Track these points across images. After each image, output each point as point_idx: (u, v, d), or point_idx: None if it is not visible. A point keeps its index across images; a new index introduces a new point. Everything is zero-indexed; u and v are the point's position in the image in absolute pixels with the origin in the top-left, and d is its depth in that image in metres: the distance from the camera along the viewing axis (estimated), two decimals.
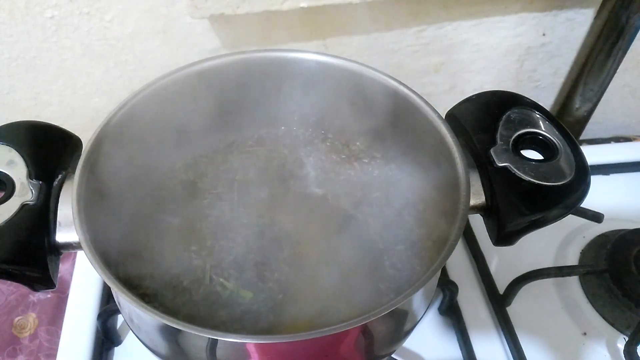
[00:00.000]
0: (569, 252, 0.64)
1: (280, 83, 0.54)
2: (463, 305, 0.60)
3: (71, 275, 0.62)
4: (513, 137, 0.45)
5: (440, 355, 0.57)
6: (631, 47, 0.71)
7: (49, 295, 0.63)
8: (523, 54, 0.75)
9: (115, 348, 0.57)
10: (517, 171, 0.43)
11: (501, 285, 0.60)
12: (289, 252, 0.50)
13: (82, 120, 0.71)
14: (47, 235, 0.40)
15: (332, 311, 0.45)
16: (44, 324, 0.61)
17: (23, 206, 0.40)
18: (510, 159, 0.43)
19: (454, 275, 0.62)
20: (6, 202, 0.40)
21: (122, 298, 0.36)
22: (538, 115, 0.46)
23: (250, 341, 0.35)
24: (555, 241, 0.66)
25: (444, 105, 0.49)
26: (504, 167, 0.43)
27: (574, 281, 0.61)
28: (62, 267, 0.58)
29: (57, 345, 0.56)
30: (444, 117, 0.48)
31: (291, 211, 0.53)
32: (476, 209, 0.44)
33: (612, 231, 0.64)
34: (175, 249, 0.50)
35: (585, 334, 0.58)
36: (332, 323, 0.35)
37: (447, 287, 0.57)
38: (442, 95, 0.78)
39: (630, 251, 0.59)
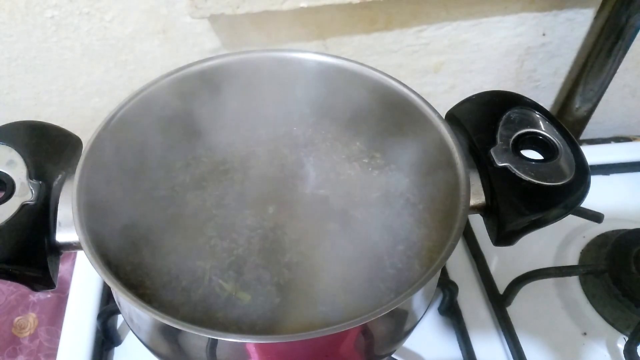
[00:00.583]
0: (569, 252, 0.64)
1: (280, 83, 0.54)
2: (463, 305, 0.60)
3: (71, 275, 0.62)
4: (513, 137, 0.45)
5: (440, 355, 0.57)
6: (631, 47, 0.71)
7: (49, 295, 0.63)
8: (523, 54, 0.75)
9: (115, 348, 0.57)
10: (517, 171, 0.43)
11: (501, 285, 0.60)
12: (288, 252, 0.50)
13: (82, 120, 0.71)
14: (47, 235, 0.40)
15: (332, 314, 0.45)
16: (44, 324, 0.61)
17: (23, 206, 0.40)
18: (510, 159, 0.43)
19: (454, 275, 0.62)
20: (6, 202, 0.40)
21: (122, 298, 0.36)
22: (538, 115, 0.46)
23: (250, 341, 0.35)
24: (555, 241, 0.66)
25: (444, 105, 0.49)
26: (504, 167, 0.43)
27: (574, 281, 0.61)
28: (62, 267, 0.58)
29: (57, 345, 0.56)
30: (444, 117, 0.48)
31: (291, 211, 0.53)
32: (476, 209, 0.44)
33: (612, 231, 0.64)
34: (175, 249, 0.50)
35: (585, 334, 0.58)
36: (332, 323, 0.35)
37: (447, 287, 0.57)
38: (442, 95, 0.78)
39: (630, 251, 0.59)
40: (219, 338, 0.35)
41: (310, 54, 0.52)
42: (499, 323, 0.58)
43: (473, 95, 0.49)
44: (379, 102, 0.51)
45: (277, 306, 0.46)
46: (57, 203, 0.42)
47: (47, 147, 0.44)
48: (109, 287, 0.47)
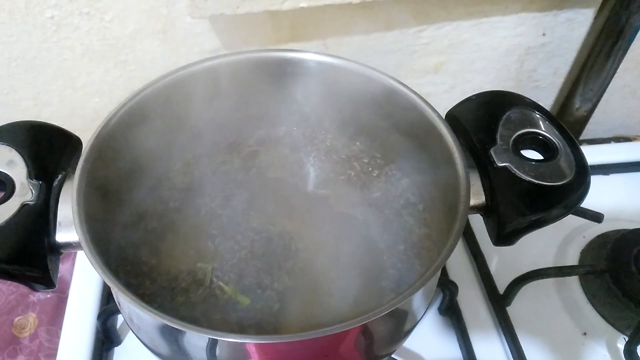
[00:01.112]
0: (569, 252, 0.64)
1: (280, 83, 0.54)
2: (463, 305, 0.60)
3: (71, 275, 0.62)
4: (513, 137, 0.45)
5: (440, 355, 0.57)
6: (631, 47, 0.71)
7: (49, 295, 0.63)
8: (523, 54, 0.75)
9: (115, 348, 0.57)
10: (517, 171, 0.43)
11: (501, 285, 0.60)
12: (287, 253, 0.50)
13: (82, 120, 0.71)
14: (47, 235, 0.40)
15: (331, 314, 0.45)
16: (44, 324, 0.61)
17: (23, 206, 0.40)
18: (510, 159, 0.43)
19: (454, 275, 0.62)
20: (6, 202, 0.40)
21: (122, 298, 0.36)
22: (538, 115, 0.46)
23: (250, 341, 0.35)
24: (555, 241, 0.66)
25: (444, 105, 0.49)
26: (504, 167, 0.43)
27: (574, 281, 0.61)
28: (62, 267, 0.58)
29: (57, 345, 0.56)
30: (444, 117, 0.48)
31: (290, 211, 0.53)
32: (476, 209, 0.44)
33: (612, 231, 0.64)
34: (175, 249, 0.50)
35: (585, 334, 0.58)
36: (332, 323, 0.35)
37: (447, 287, 0.57)
38: (442, 95, 0.78)
39: (630, 251, 0.58)
40: (219, 338, 0.35)
41: (310, 54, 0.52)
42: (499, 323, 0.58)
43: (473, 95, 0.49)
44: (379, 102, 0.51)
45: (277, 308, 0.46)
46: (57, 203, 0.42)
47: (47, 147, 0.44)
48: (109, 287, 0.47)
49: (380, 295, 0.47)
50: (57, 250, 0.41)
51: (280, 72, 0.53)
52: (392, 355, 0.51)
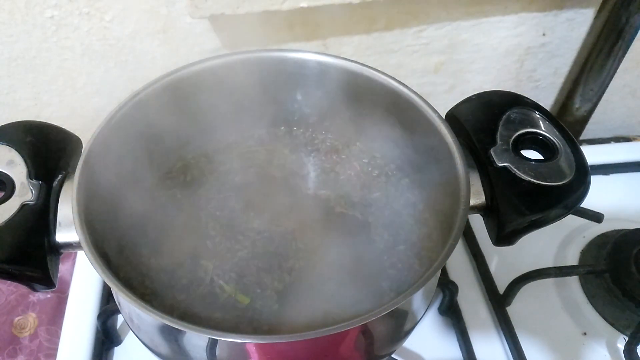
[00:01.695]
0: (569, 252, 0.64)
1: (280, 83, 0.54)
2: (463, 305, 0.60)
3: (71, 275, 0.62)
4: (513, 137, 0.45)
5: (440, 355, 0.57)
6: (631, 47, 0.71)
7: (49, 295, 0.63)
8: (523, 54, 0.75)
9: (115, 348, 0.57)
10: (517, 171, 0.43)
11: (501, 285, 0.60)
12: (286, 252, 0.50)
13: (82, 120, 0.71)
14: (47, 235, 0.40)
15: (331, 314, 0.45)
16: (44, 324, 0.61)
17: (23, 206, 0.40)
18: (510, 159, 0.43)
19: (454, 275, 0.62)
20: (6, 202, 0.40)
21: (122, 298, 0.36)
22: (538, 115, 0.46)
23: (250, 341, 0.35)
24: (555, 241, 0.66)
25: (444, 105, 0.49)
26: (504, 167, 0.43)
27: (574, 281, 0.61)
28: (62, 267, 0.58)
29: (57, 345, 0.56)
30: (444, 117, 0.48)
31: (290, 211, 0.53)
32: (476, 209, 0.44)
33: (612, 231, 0.64)
34: (174, 249, 0.50)
35: (585, 334, 0.58)
36: (332, 323, 0.35)
37: (447, 287, 0.57)
38: (442, 95, 0.78)
39: (630, 251, 0.58)
40: (219, 338, 0.35)
41: (310, 54, 0.52)
42: (499, 323, 0.58)
43: (473, 95, 0.49)
44: (379, 102, 0.51)
45: (277, 308, 0.46)
46: (57, 203, 0.42)
47: (47, 147, 0.44)
48: (109, 287, 0.47)
49: (380, 295, 0.47)
50: (57, 250, 0.41)
51: (280, 72, 0.53)
52: (392, 355, 0.51)
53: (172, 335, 0.39)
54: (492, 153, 0.44)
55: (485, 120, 0.46)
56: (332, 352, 0.39)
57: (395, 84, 0.50)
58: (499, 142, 0.44)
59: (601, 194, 0.59)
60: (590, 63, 0.73)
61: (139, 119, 0.48)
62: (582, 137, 0.84)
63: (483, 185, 0.44)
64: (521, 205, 0.42)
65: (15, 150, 0.42)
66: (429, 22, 0.68)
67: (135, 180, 0.50)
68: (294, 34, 0.66)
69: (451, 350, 0.57)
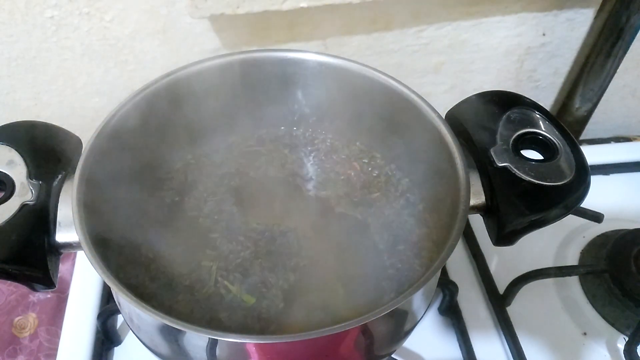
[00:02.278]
0: (569, 252, 0.64)
1: (280, 83, 0.54)
2: (463, 305, 0.60)
3: (71, 275, 0.62)
4: (513, 137, 0.45)
5: (440, 355, 0.57)
6: (631, 47, 0.71)
7: (49, 295, 0.63)
8: (523, 54, 0.75)
9: (115, 348, 0.57)
10: (517, 171, 0.43)
11: (501, 285, 0.60)
12: (286, 253, 0.50)
13: (82, 120, 0.71)
14: (47, 235, 0.40)
15: (332, 314, 0.45)
16: (44, 324, 0.61)
17: (23, 206, 0.40)
18: (510, 159, 0.43)
19: (454, 275, 0.62)
20: (6, 202, 0.40)
21: (122, 298, 0.36)
22: (538, 115, 0.46)
23: (250, 341, 0.35)
24: (555, 241, 0.66)
25: (444, 105, 0.49)
26: (504, 167, 0.43)
27: (574, 281, 0.61)
28: (62, 267, 0.58)
29: (57, 345, 0.56)
30: (444, 117, 0.48)
31: (290, 212, 0.53)
32: (476, 209, 0.44)
33: (612, 231, 0.64)
34: (175, 249, 0.50)
35: (585, 334, 0.58)
36: (332, 323, 0.35)
37: (447, 287, 0.57)
38: (442, 95, 0.78)
39: (630, 251, 0.58)
40: (219, 338, 0.35)
41: (311, 54, 0.52)
42: (499, 323, 0.58)
43: (473, 95, 0.49)
44: (379, 102, 0.51)
45: (282, 307, 0.46)
46: (57, 203, 0.42)
47: (47, 147, 0.44)
48: (109, 287, 0.46)
49: (380, 295, 0.47)
50: (57, 250, 0.41)
51: (280, 72, 0.53)
52: (392, 355, 0.51)
53: (172, 335, 0.39)
54: (492, 153, 0.44)
55: (485, 120, 0.46)
56: (332, 352, 0.39)
57: (396, 84, 0.50)
58: (499, 142, 0.44)
59: (601, 194, 0.59)
60: (590, 63, 0.73)
61: (139, 119, 0.48)
62: (582, 137, 0.84)
63: (483, 185, 0.44)
64: (521, 205, 0.42)
65: (15, 150, 0.42)
66: (429, 22, 0.68)
67: (135, 180, 0.50)
68: (294, 34, 0.66)
69: (451, 350, 0.57)
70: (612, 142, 0.81)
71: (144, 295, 0.46)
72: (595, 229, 0.65)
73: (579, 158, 0.44)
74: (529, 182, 0.42)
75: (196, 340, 0.38)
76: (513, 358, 0.55)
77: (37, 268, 0.39)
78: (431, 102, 0.48)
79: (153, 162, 0.53)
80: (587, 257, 0.63)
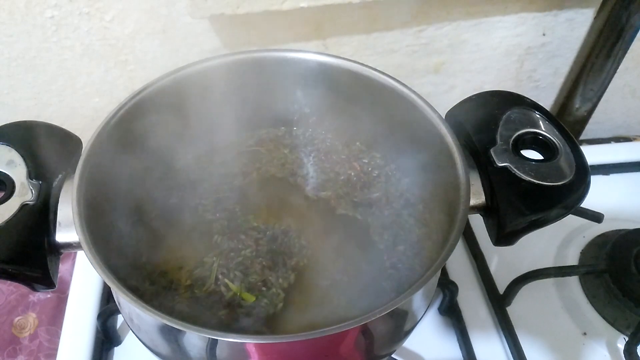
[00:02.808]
0: (569, 252, 0.64)
1: (280, 83, 0.54)
2: (463, 305, 0.60)
3: (71, 275, 0.62)
4: (513, 137, 0.45)
5: (440, 355, 0.57)
6: (631, 47, 0.71)
7: (49, 295, 0.63)
8: (523, 54, 0.75)
9: (115, 348, 0.57)
10: (517, 171, 0.43)
11: (501, 285, 0.60)
12: (285, 253, 0.50)
13: (82, 120, 0.71)
14: (47, 235, 0.40)
15: (332, 314, 0.45)
16: (44, 324, 0.61)
17: (23, 206, 0.40)
18: (510, 159, 0.43)
19: (454, 275, 0.62)
20: (6, 202, 0.40)
21: (122, 298, 0.36)
22: (538, 115, 0.46)
23: (250, 341, 0.35)
24: (555, 241, 0.66)
25: (444, 105, 0.49)
26: (504, 167, 0.43)
27: (574, 281, 0.61)
28: (62, 267, 0.58)
29: (57, 345, 0.56)
30: (444, 117, 0.48)
31: (290, 212, 0.53)
32: (476, 209, 0.44)
33: (612, 231, 0.64)
34: (175, 249, 0.50)
35: (585, 334, 0.58)
36: (332, 323, 0.35)
37: (447, 287, 0.57)
38: (442, 95, 0.78)
39: (630, 251, 0.58)
40: (219, 338, 0.35)
41: (310, 54, 0.52)
42: (499, 323, 0.58)
43: (473, 95, 0.49)
44: (379, 102, 0.51)
45: (282, 306, 0.46)
46: (57, 203, 0.42)
47: (47, 147, 0.44)
48: (109, 287, 0.47)
49: (380, 295, 0.47)
50: (57, 250, 0.41)
51: (280, 72, 0.53)
52: (392, 355, 0.51)
53: (172, 335, 0.39)
54: (492, 153, 0.44)
55: (485, 120, 0.46)
56: (332, 352, 0.39)
57: (395, 84, 0.50)
58: (499, 142, 0.44)
59: (601, 194, 0.59)
60: (590, 63, 0.73)
61: (139, 119, 0.48)
62: (582, 137, 0.84)
63: (483, 185, 0.44)
64: (521, 205, 0.42)
65: (15, 150, 0.42)
66: (429, 22, 0.68)
67: (135, 180, 0.50)
68: (294, 34, 0.66)
69: (451, 350, 0.57)
70: (612, 142, 0.81)
71: (144, 295, 0.46)
72: (595, 229, 0.65)
73: (579, 158, 0.44)
74: (529, 182, 0.42)
75: (196, 340, 0.38)
76: (513, 358, 0.55)
77: (37, 268, 0.39)
78: (431, 102, 0.48)
79: (153, 162, 0.53)
80: (587, 257, 0.63)
